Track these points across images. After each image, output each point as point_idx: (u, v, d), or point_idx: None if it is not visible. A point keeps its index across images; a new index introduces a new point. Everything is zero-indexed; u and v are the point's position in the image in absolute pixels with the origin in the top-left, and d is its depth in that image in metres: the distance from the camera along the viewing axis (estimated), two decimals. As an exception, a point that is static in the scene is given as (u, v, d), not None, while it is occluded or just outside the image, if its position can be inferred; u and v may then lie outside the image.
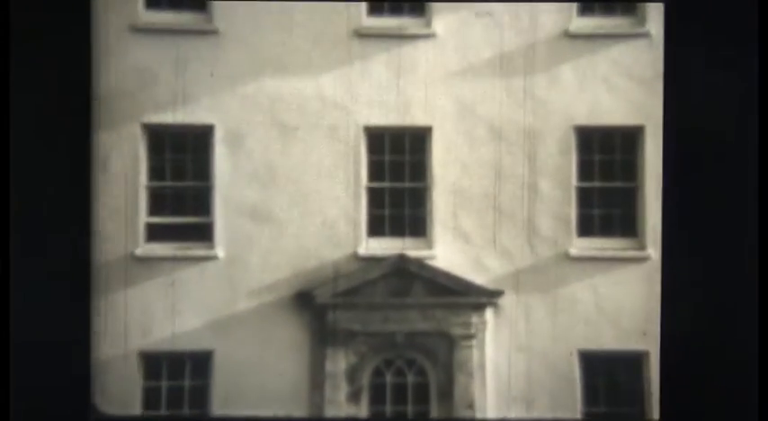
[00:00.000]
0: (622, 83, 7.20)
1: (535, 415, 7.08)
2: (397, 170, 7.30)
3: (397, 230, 7.31)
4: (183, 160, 7.22)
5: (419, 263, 7.25)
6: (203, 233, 7.21)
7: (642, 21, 7.19)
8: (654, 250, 7.14)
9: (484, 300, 7.20)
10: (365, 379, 7.25)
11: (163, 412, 7.08)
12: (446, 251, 7.23)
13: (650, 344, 6.95)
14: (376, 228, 7.28)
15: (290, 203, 7.18)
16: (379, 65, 7.17)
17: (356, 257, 7.21)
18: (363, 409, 7.20)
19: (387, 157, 7.29)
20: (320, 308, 7.19)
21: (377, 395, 7.26)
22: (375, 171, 7.26)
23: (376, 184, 7.27)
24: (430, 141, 7.26)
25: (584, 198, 7.30)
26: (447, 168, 7.25)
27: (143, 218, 7.17)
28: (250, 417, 6.86)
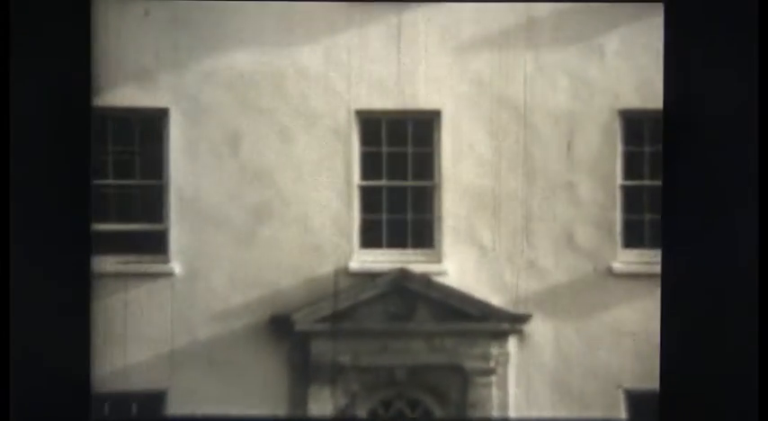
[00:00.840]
0: (679, 56, 6.64)
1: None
2: (398, 165, 6.85)
3: (398, 239, 6.86)
4: (129, 153, 6.74)
5: (425, 280, 6.75)
6: (155, 243, 6.73)
7: (702, -20, 6.65)
8: (716, 264, 6.73)
9: (506, 326, 6.74)
10: (358, 424, 6.76)
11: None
12: (458, 265, 6.78)
13: (713, 383, 6.60)
14: (371, 237, 6.83)
15: (263, 206, 6.71)
16: (375, 34, 6.72)
17: (346, 273, 6.74)
18: (355, 462, 6.75)
19: (384, 149, 6.84)
20: (301, 336, 6.70)
21: (372, 444, 6.79)
22: (370, 166, 6.83)
23: (371, 183, 6.83)
24: (438, 129, 6.79)
25: (631, 200, 6.78)
26: (459, 163, 6.78)
27: (80, 224, 6.64)
28: (251, 417, 6.70)
